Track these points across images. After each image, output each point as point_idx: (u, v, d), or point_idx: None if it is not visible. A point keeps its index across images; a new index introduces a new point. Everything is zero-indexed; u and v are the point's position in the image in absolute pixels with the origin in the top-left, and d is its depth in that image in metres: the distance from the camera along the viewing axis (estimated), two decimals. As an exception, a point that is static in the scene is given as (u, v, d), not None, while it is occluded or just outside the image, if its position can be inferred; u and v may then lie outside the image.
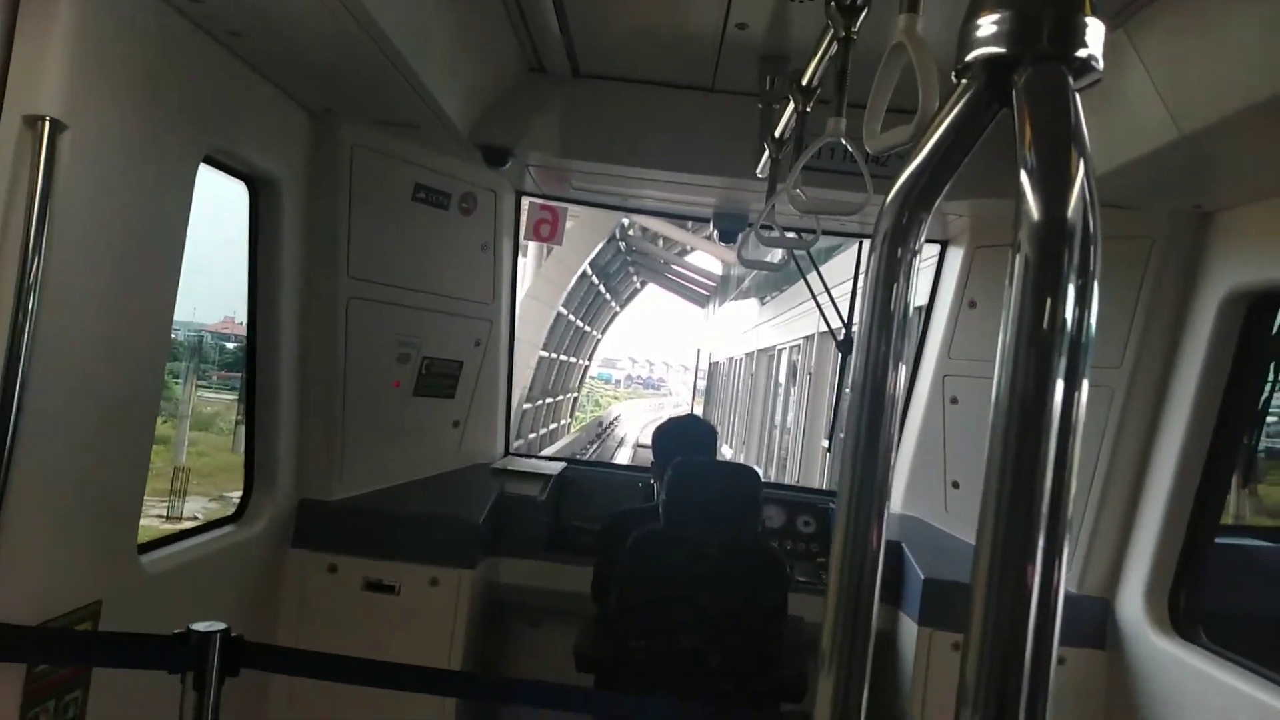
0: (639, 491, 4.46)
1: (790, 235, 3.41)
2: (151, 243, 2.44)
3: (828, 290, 4.70)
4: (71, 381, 2.17)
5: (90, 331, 2.22)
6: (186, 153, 2.54)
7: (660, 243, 36.86)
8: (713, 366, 40.55)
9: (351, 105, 3.23)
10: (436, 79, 2.86)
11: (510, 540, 3.96)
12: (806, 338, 14.17)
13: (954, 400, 4.10)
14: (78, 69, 2.02)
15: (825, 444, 12.38)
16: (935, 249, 4.41)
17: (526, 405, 26.82)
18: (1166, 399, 3.31)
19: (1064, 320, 0.56)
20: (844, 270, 7.71)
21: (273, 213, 3.19)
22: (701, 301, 46.70)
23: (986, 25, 0.69)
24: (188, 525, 3.25)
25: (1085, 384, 0.57)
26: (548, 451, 26.63)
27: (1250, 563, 4.18)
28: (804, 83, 2.25)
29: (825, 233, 2.81)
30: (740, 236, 3.46)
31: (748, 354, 24.53)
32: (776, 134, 2.64)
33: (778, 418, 18.30)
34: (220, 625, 2.12)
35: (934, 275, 4.34)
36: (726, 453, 28.99)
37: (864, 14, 1.82)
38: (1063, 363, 0.56)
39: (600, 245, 27.56)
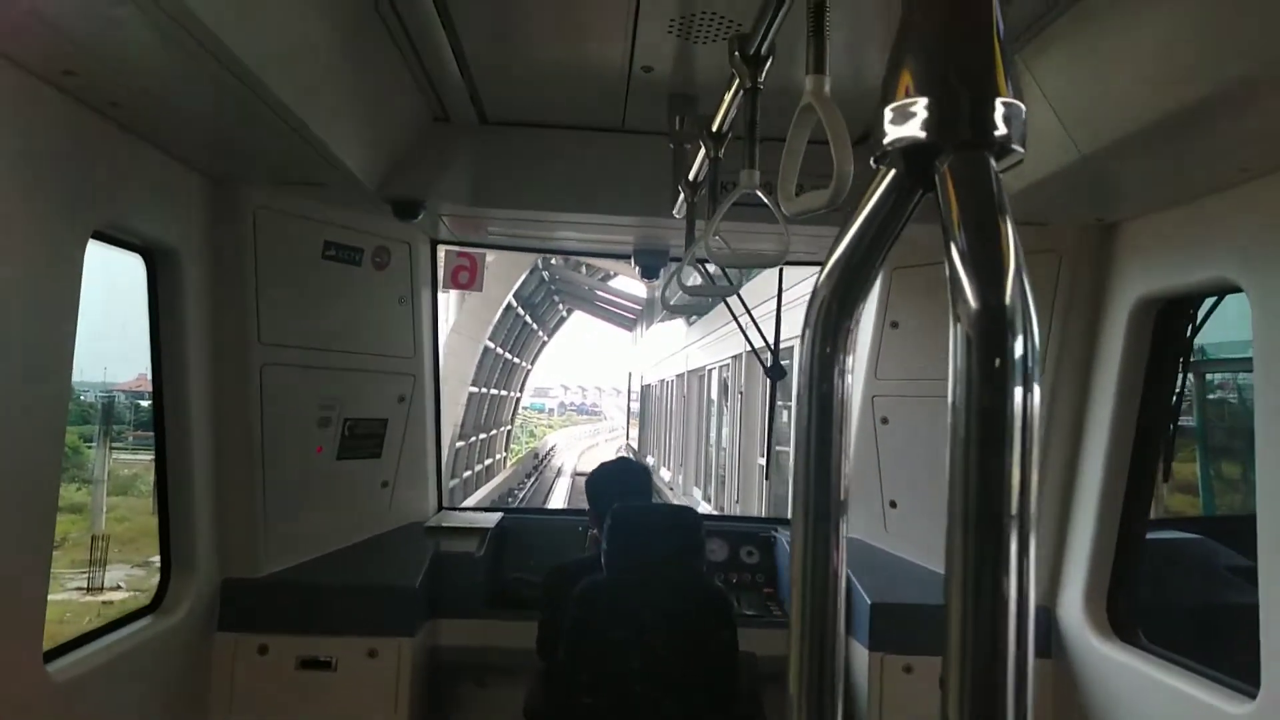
0: (578, 536, 4.37)
1: (714, 277, 3.41)
2: (38, 331, 2.28)
3: (750, 314, 4.71)
4: None
5: None
6: (72, 231, 2.40)
7: (584, 270, 36.86)
8: (645, 389, 40.62)
9: (249, 168, 3.11)
10: (336, 135, 2.77)
11: (450, 601, 3.83)
12: (735, 357, 14.28)
13: (884, 420, 4.13)
14: None
15: (761, 463, 12.48)
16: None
17: (460, 443, 26.41)
18: (1088, 406, 3.39)
19: (1012, 398, 0.58)
20: (767, 288, 7.78)
21: (173, 284, 3.04)
22: (629, 325, 46.83)
23: (904, 113, 0.67)
24: (111, 596, 3.05)
25: (1035, 455, 0.59)
26: (483, 490, 26.33)
27: (1177, 555, 4.30)
28: (714, 129, 2.23)
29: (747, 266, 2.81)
30: (660, 283, 3.44)
31: (678, 375, 24.64)
32: (690, 177, 2.63)
33: (712, 436, 18.37)
34: None
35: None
36: (665, 475, 29.05)
37: (769, 64, 1.82)
38: (1016, 442, 0.58)
39: (523, 277, 27.44)
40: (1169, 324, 3.15)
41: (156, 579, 3.33)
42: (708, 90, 3.00)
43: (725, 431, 15.65)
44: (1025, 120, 0.67)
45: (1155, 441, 3.28)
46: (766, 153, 1.95)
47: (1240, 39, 1.85)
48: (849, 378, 0.75)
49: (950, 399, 0.60)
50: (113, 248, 2.79)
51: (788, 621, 2.90)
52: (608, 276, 39.06)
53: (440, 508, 4.53)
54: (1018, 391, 0.58)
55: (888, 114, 0.69)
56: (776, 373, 4.53)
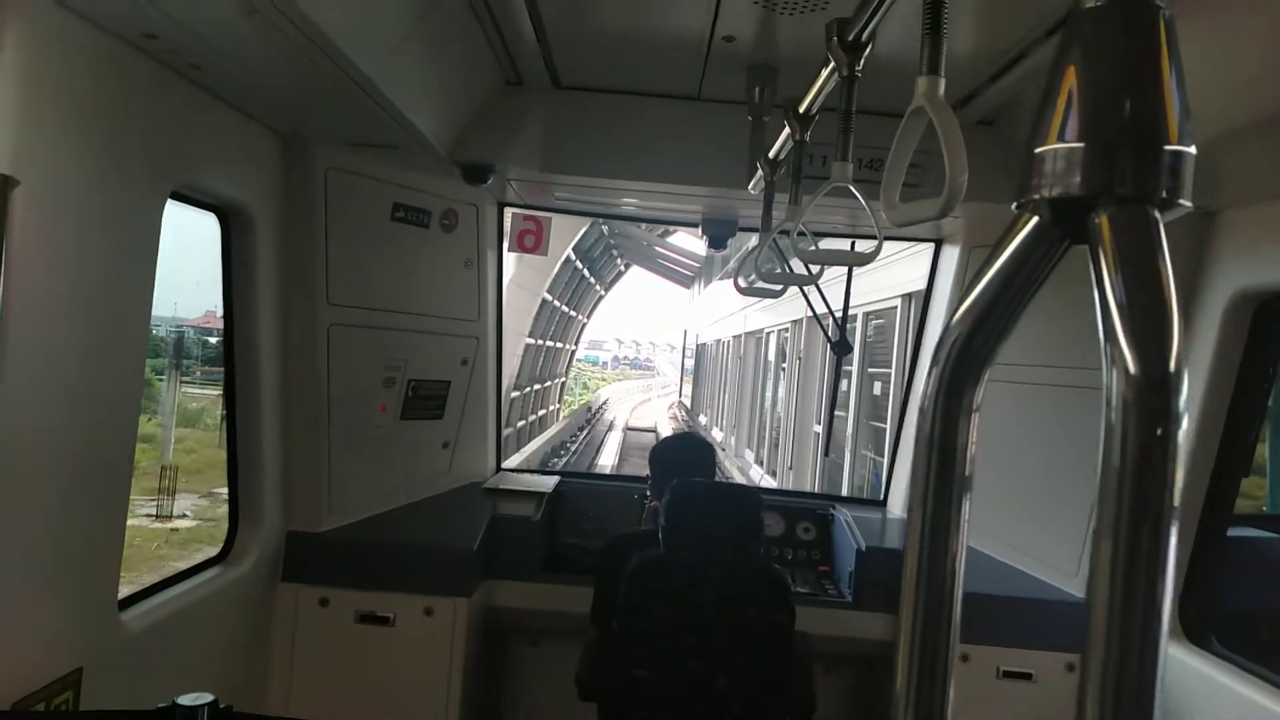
0: (634, 504, 4.37)
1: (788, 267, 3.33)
2: (118, 290, 2.32)
3: (817, 286, 4.60)
4: (40, 435, 2.06)
5: (58, 383, 2.11)
6: (152, 191, 2.41)
7: (643, 225, 36.66)
8: (700, 348, 40.51)
9: (323, 129, 3.09)
10: (409, 100, 2.73)
11: (506, 563, 3.87)
12: (795, 322, 14.11)
13: None
14: (27, 119, 1.89)
15: (817, 430, 12.36)
16: (929, 246, 4.33)
17: (515, 393, 26.74)
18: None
19: (1170, 468, 0.56)
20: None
21: (246, 243, 3.07)
22: (686, 282, 46.57)
23: (1056, 158, 0.60)
24: (178, 524, 3.14)
25: (1177, 521, 0.57)
26: (536, 442, 26.63)
27: (1255, 555, 4.14)
28: (800, 110, 2.15)
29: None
30: (737, 267, 3.38)
31: (735, 336, 24.49)
32: (771, 154, 2.54)
33: (768, 402, 18.28)
34: (208, 697, 2.02)
35: (929, 273, 4.26)
36: (718, 435, 29.04)
37: (868, 50, 1.74)
38: (1166, 507, 0.56)
39: (583, 230, 27.43)
40: (1268, 320, 2.98)
41: (221, 509, 3.41)
42: (791, 63, 2.89)
43: (781, 396, 15.54)
44: (1193, 169, 0.60)
45: (1244, 441, 3.14)
46: (856, 153, 1.87)
47: None
48: (973, 427, 0.70)
49: (1102, 456, 0.58)
50: (189, 207, 2.81)
51: (842, 600, 2.87)
52: (667, 233, 38.76)
53: (499, 469, 4.56)
54: (1172, 461, 0.55)
55: (1037, 158, 0.62)
56: (843, 348, 4.43)
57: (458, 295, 4.03)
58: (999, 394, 3.86)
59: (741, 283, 3.16)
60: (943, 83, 1.14)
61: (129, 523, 2.52)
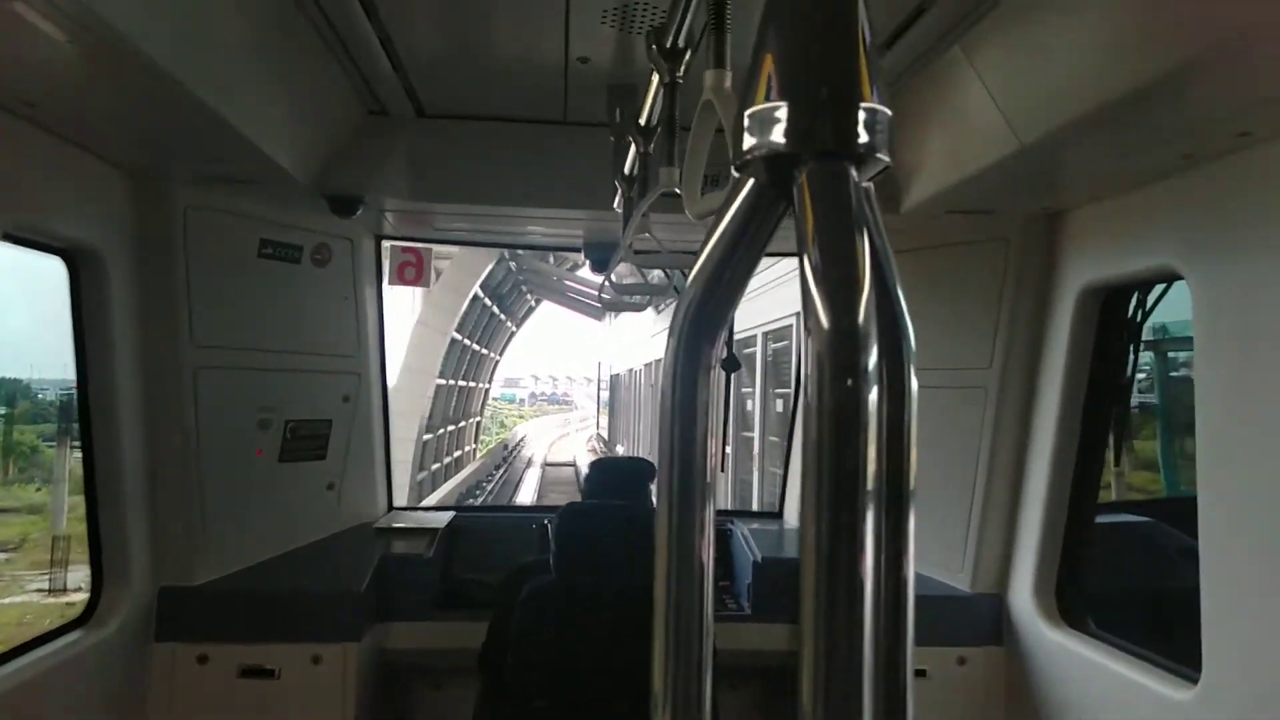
0: (534, 534, 4.31)
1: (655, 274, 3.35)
2: None
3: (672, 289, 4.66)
4: None
5: None
6: None
7: (551, 260, 36.64)
8: (614, 378, 40.55)
9: (175, 165, 2.99)
10: (262, 131, 2.67)
11: (399, 603, 3.75)
12: (700, 345, 14.26)
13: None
14: None
15: (727, 450, 12.47)
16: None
17: (428, 435, 26.22)
18: (1036, 393, 3.38)
19: (864, 416, 0.55)
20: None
21: (97, 286, 2.93)
22: (598, 315, 46.67)
23: (764, 119, 0.62)
24: (74, 598, 2.95)
25: (887, 466, 0.58)
26: (451, 483, 26.12)
27: (1129, 539, 4.33)
28: (641, 122, 2.18)
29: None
30: (602, 282, 3.38)
31: (645, 364, 24.60)
32: (626, 170, 2.56)
33: (680, 426, 18.35)
34: None
35: (801, 292, 4.36)
36: (634, 464, 28.92)
37: (687, 57, 1.76)
38: (870, 456, 0.55)
39: (490, 267, 27.23)
40: (1115, 310, 3.14)
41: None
42: (645, 78, 2.93)
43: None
44: (891, 127, 0.62)
45: (1103, 427, 3.29)
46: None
47: (1178, 24, 1.83)
48: (713, 384, 0.70)
49: (804, 402, 0.58)
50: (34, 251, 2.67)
51: (741, 613, 2.85)
52: (575, 266, 38.72)
53: (390, 508, 4.44)
54: (871, 408, 0.55)
55: (747, 119, 0.63)
56: (730, 364, 4.48)
57: (336, 331, 3.93)
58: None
59: (605, 296, 3.18)
60: (729, 76, 1.16)
61: (18, 599, 2.35)
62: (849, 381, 0.55)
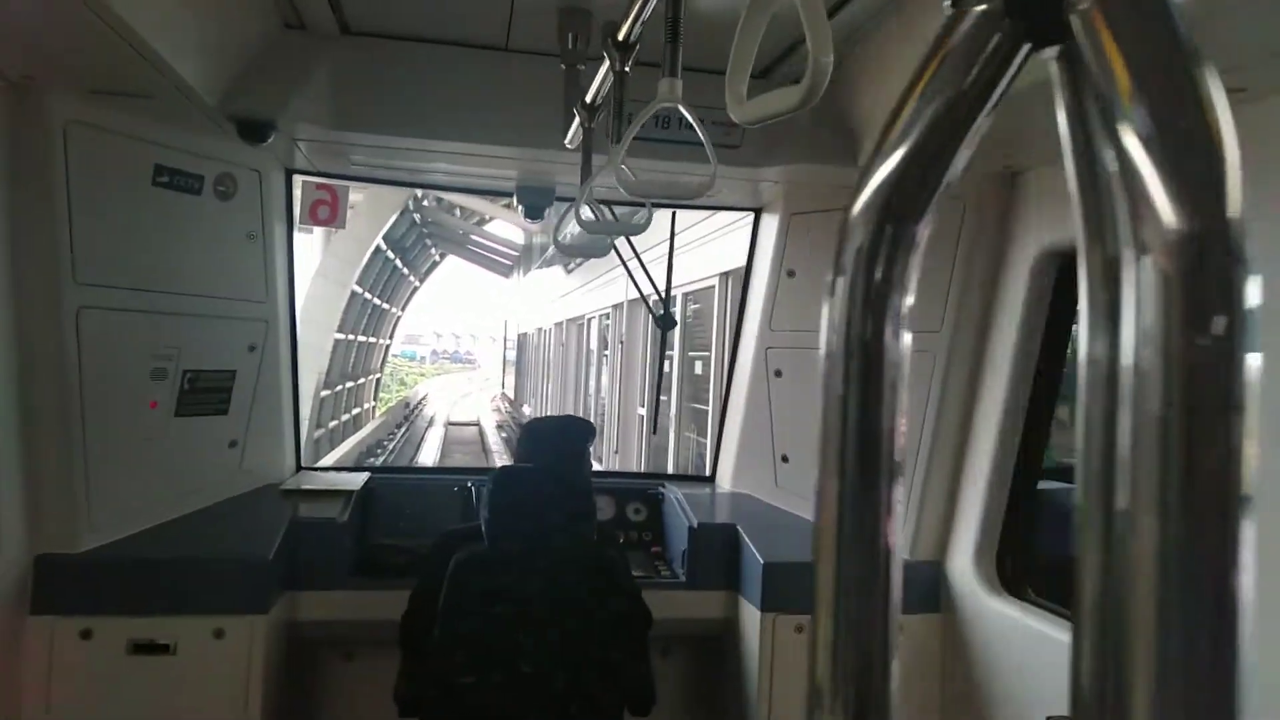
0: (454, 497, 4.06)
1: (614, 216, 3.12)
2: None
3: (640, 259, 4.45)
4: None
5: None
6: None
7: (458, 213, 35.78)
8: (522, 337, 40.03)
9: (56, 73, 2.58)
10: (161, 34, 2.30)
11: (309, 571, 3.46)
12: (615, 306, 14.07)
13: (778, 373, 3.98)
14: None
15: (641, 413, 12.35)
16: (748, 216, 4.27)
17: (325, 392, 25.36)
18: (985, 360, 3.32)
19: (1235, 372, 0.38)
20: (657, 233, 7.57)
21: None
22: (505, 272, 45.92)
23: None
24: None
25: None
26: (350, 442, 25.42)
27: (1064, 507, 4.37)
28: (619, 38, 1.94)
29: (657, 205, 2.53)
30: (558, 222, 3.12)
31: (556, 324, 24.29)
32: (588, 99, 2.31)
33: (591, 386, 18.19)
34: None
35: (750, 243, 4.20)
36: (541, 424, 28.68)
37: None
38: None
39: (393, 218, 26.36)
40: (1072, 276, 3.08)
41: None
42: (606, 6, 2.67)
43: (605, 381, 15.48)
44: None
45: (1051, 396, 3.25)
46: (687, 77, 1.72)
47: None
48: (903, 319, 0.52)
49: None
50: None
51: (676, 580, 2.71)
52: (483, 221, 38.02)
53: (299, 468, 4.11)
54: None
55: None
56: (667, 322, 4.30)
57: (241, 273, 3.55)
58: (809, 361, 3.84)
59: (563, 239, 2.94)
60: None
61: None
62: (1219, 325, 0.36)
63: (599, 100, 2.30)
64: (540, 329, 30.14)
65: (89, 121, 2.82)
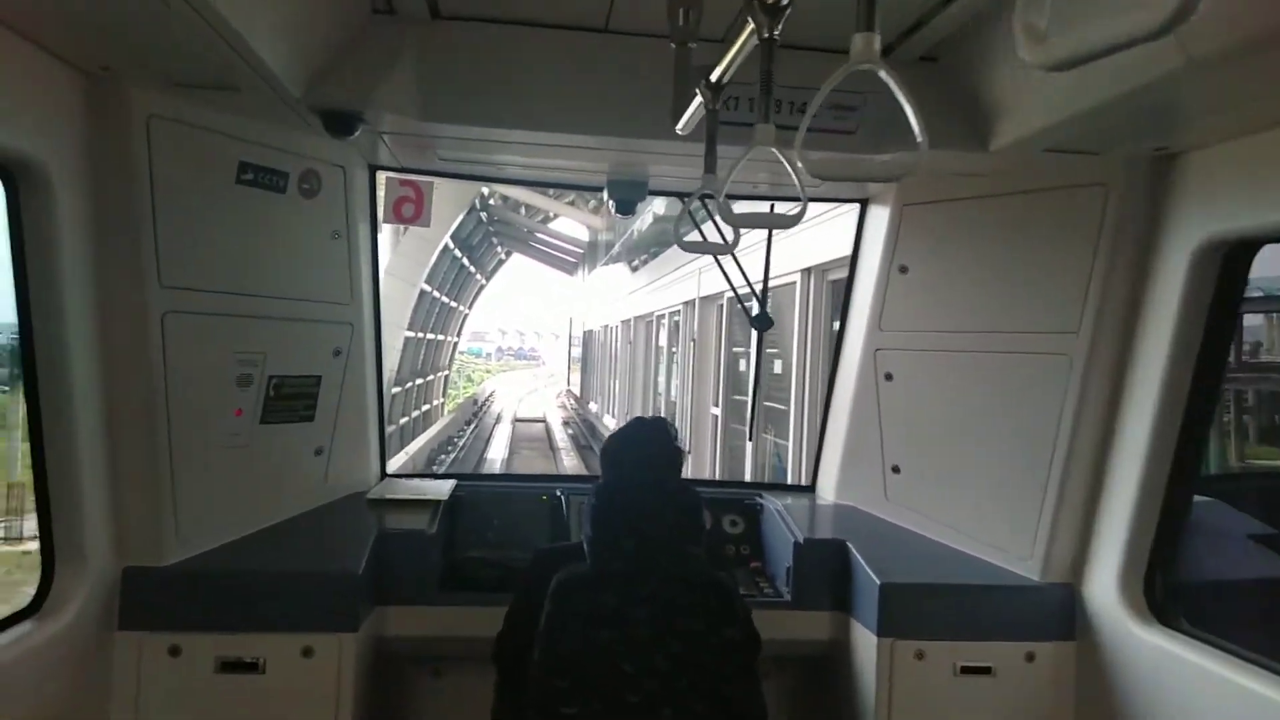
0: (542, 507, 3.88)
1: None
2: None
3: (737, 262, 4.19)
4: None
5: None
6: None
7: (523, 211, 35.99)
8: (587, 334, 40.05)
9: (140, 63, 2.45)
10: (248, 22, 2.15)
11: (398, 585, 3.31)
12: (686, 302, 13.80)
13: (889, 376, 3.70)
14: None
15: (715, 412, 12.08)
16: (834, 208, 4.00)
17: (396, 389, 25.77)
18: (1132, 364, 2.99)
19: None
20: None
21: (41, 209, 2.40)
22: (570, 269, 46.05)
23: None
24: (30, 545, 2.46)
25: None
26: (422, 439, 25.73)
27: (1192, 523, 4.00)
28: (714, 79, 2.00)
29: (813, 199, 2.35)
30: (677, 219, 2.91)
31: (624, 321, 24.13)
32: (714, 77, 2.09)
33: (660, 387, 17.95)
34: None
35: (855, 236, 3.92)
36: (610, 423, 28.61)
37: (788, 12, 1.65)
38: None
39: (460, 217, 26.60)
40: (1238, 269, 2.74)
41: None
42: None
43: (676, 380, 15.25)
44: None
45: (1210, 401, 2.91)
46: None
47: None
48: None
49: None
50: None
51: (780, 600, 2.46)
52: (548, 218, 38.16)
53: (384, 475, 3.98)
54: None
55: None
56: (764, 322, 4.05)
57: (325, 274, 3.42)
58: (937, 364, 3.55)
59: (683, 233, 2.75)
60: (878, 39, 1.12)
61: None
62: None
63: (725, 79, 2.07)
64: (606, 326, 30.05)
65: (172, 116, 2.70)
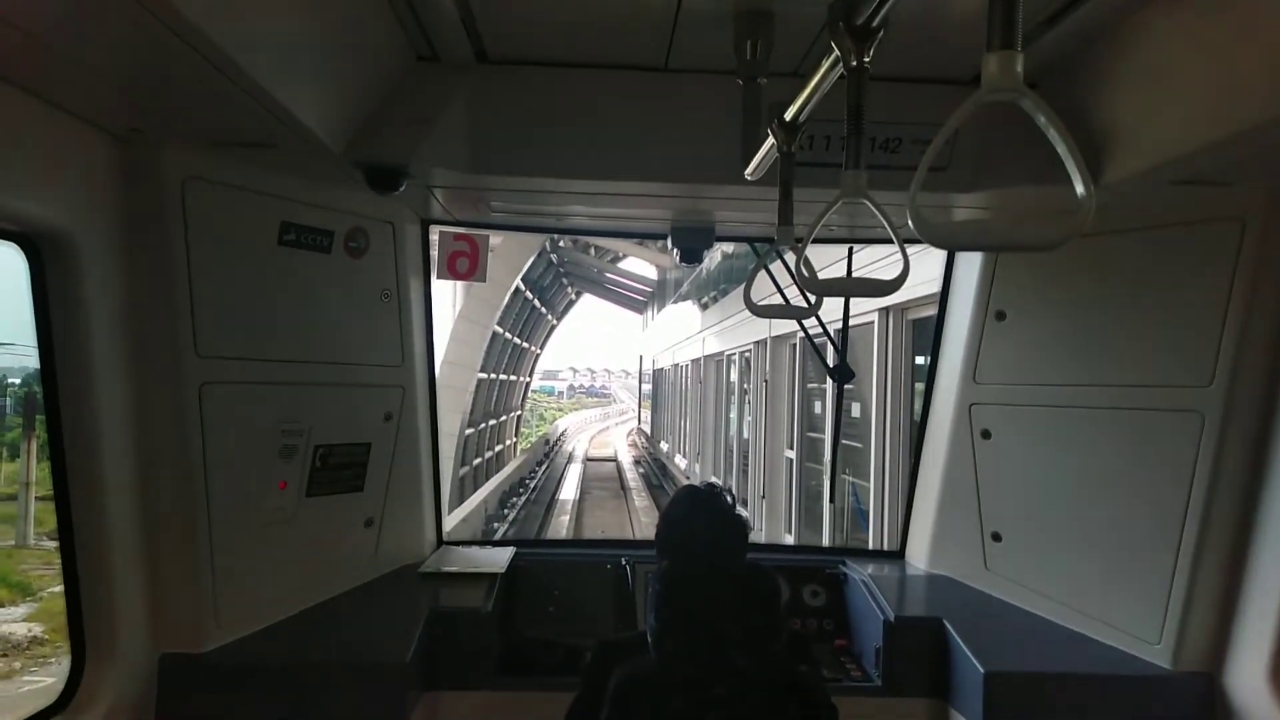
0: (607, 576, 3.60)
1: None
2: None
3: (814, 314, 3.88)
4: None
5: None
6: None
7: (592, 251, 36.23)
8: (657, 373, 39.84)
9: (172, 124, 2.31)
10: (285, 78, 1.98)
11: (452, 670, 3.06)
12: (758, 342, 13.45)
13: (985, 434, 3.34)
14: None
15: (790, 455, 11.66)
16: (939, 251, 3.66)
17: (469, 430, 25.94)
18: (1278, 420, 2.59)
19: None
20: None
21: (68, 280, 2.27)
22: (639, 308, 46.08)
23: None
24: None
25: None
26: (495, 480, 25.79)
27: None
28: (788, 117, 1.80)
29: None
30: (748, 280, 2.65)
31: (694, 360, 23.84)
32: (788, 115, 1.83)
33: (733, 428, 17.55)
34: None
35: (943, 280, 3.58)
36: (681, 463, 28.22)
37: (879, 36, 1.46)
38: None
39: (531, 259, 26.89)
40: None
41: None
42: (787, 16, 2.19)
43: (748, 420, 14.85)
44: None
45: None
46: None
47: None
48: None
49: None
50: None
51: (869, 685, 2.02)
52: (617, 258, 38.33)
53: (440, 543, 3.76)
54: None
55: None
56: (844, 374, 3.72)
57: (375, 336, 3.24)
58: (1042, 420, 3.18)
59: (755, 296, 2.47)
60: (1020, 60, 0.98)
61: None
62: None
63: (800, 118, 1.80)
64: (676, 364, 29.80)
65: (209, 177, 2.55)
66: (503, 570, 3.43)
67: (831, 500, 8.41)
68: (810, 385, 11.31)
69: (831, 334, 3.82)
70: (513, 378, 35.91)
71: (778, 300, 3.46)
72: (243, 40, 1.76)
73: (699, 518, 2.53)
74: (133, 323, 2.47)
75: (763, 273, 2.97)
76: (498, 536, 19.14)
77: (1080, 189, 1.10)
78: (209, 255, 2.59)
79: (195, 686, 2.71)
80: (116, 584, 2.51)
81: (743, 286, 2.81)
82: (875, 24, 1.45)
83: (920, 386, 7.12)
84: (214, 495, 2.70)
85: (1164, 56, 2.16)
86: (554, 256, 33.80)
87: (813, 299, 2.44)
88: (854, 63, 1.51)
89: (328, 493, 3.09)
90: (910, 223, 1.16)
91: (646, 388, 49.57)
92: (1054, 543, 3.15)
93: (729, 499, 2.63)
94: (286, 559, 2.99)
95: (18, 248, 2.19)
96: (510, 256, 23.89)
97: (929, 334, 4.05)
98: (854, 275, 3.99)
